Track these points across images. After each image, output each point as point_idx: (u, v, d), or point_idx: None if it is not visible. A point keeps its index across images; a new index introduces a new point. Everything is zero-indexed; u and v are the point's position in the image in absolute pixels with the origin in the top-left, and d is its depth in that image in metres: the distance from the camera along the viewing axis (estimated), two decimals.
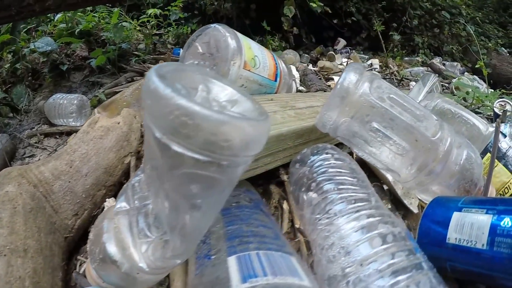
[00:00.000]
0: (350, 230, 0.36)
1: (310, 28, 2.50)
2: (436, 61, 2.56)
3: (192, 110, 0.26)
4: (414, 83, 1.70)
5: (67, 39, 1.61)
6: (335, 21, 2.44)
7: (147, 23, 2.26)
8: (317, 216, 0.41)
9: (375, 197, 0.42)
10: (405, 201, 0.60)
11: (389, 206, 0.60)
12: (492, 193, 0.56)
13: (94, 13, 2.00)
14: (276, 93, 0.76)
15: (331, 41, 2.66)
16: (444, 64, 2.55)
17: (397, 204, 0.62)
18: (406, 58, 2.63)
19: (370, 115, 0.50)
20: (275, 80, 0.74)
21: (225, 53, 0.58)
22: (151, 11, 1.90)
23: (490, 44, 3.09)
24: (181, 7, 2.39)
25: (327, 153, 0.48)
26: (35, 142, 1.23)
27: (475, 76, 2.62)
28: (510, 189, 0.61)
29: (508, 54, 3.35)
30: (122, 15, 2.23)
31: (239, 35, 0.62)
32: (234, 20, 2.17)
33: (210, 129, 0.26)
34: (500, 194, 0.62)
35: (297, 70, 1.27)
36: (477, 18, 3.17)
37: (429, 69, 2.46)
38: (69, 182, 0.64)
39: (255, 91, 0.69)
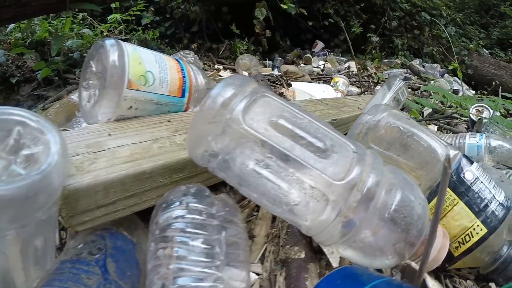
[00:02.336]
0: None
1: (286, 30, 2.31)
2: (416, 63, 2.37)
3: None
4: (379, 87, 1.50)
5: (19, 50, 1.43)
6: (311, 24, 2.24)
7: (114, 29, 2.07)
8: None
9: (223, 273, 0.28)
10: (325, 249, 0.42)
11: (302, 256, 0.41)
12: (443, 247, 0.37)
13: (53, 20, 1.81)
14: (186, 110, 0.59)
15: (309, 43, 2.47)
16: (423, 66, 2.36)
17: (320, 249, 0.43)
18: (386, 60, 2.43)
19: (243, 150, 0.32)
20: (182, 96, 0.58)
21: (104, 71, 0.47)
22: (111, 16, 1.71)
23: (471, 45, 2.90)
24: (153, 10, 2.19)
25: (181, 203, 0.32)
26: None
27: (455, 78, 2.43)
28: (472, 237, 0.42)
29: (489, 55, 3.16)
30: (88, 19, 2.04)
31: (130, 49, 0.50)
32: (203, 23, 1.97)
33: None
34: (459, 242, 0.42)
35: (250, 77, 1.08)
36: (457, 19, 2.97)
37: (409, 71, 2.27)
38: None
39: (153, 111, 0.55)
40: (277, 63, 2.00)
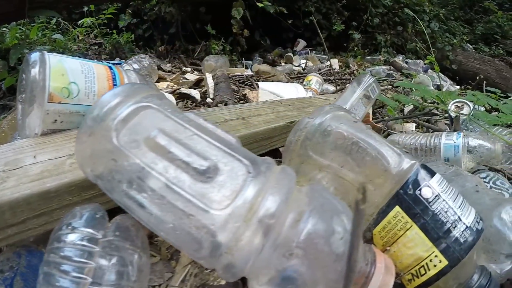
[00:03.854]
0: None
1: (267, 30, 2.20)
2: (399, 59, 2.27)
3: None
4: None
5: None
6: (290, 22, 2.13)
7: (90, 33, 1.96)
8: None
9: None
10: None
11: (222, 282, 0.37)
12: (384, 286, 0.27)
13: (22, 26, 1.70)
14: None
15: (291, 42, 2.37)
16: (407, 62, 2.26)
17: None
18: (368, 57, 2.33)
19: (118, 172, 0.28)
20: None
21: (26, 85, 0.47)
22: (82, 20, 1.60)
23: (455, 41, 2.80)
24: (130, 12, 2.08)
25: (67, 226, 0.29)
26: None
27: (439, 73, 2.33)
28: (428, 269, 0.31)
29: (473, 50, 3.06)
30: (63, 24, 1.93)
31: (54, 60, 0.49)
32: (179, 24, 1.86)
33: None
34: (413, 275, 0.32)
35: (213, 78, 0.97)
36: (440, 15, 2.87)
37: (391, 67, 2.17)
38: None
39: (80, 124, 0.50)
40: (256, 62, 1.90)
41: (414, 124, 1.09)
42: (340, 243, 0.23)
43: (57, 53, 1.53)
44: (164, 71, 1.26)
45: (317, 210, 0.24)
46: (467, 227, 0.32)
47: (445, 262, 0.31)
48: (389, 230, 0.33)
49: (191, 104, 0.89)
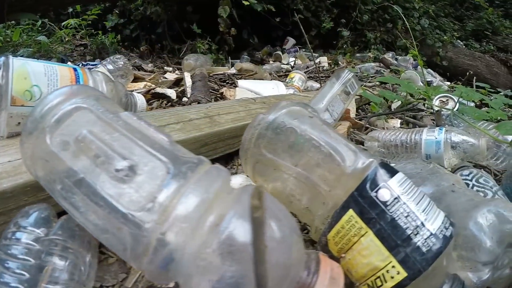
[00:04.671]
0: None
1: (255, 28, 2.16)
2: (389, 56, 2.23)
3: None
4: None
5: None
6: (278, 20, 2.09)
7: (76, 34, 1.91)
8: None
9: None
10: None
11: (171, 285, 0.36)
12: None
13: (7, 29, 1.65)
14: None
15: (280, 40, 2.32)
16: (396, 59, 2.22)
17: None
18: (358, 55, 2.29)
19: (51, 172, 0.28)
20: None
21: None
22: (66, 22, 1.55)
23: (445, 37, 2.76)
24: (117, 13, 2.04)
25: (15, 224, 0.30)
26: None
27: (429, 70, 2.30)
28: (385, 281, 0.27)
29: (464, 47, 3.03)
30: (49, 26, 1.88)
31: (17, 64, 0.50)
32: (165, 24, 1.81)
33: None
34: (369, 286, 0.28)
35: (191, 77, 0.93)
36: (430, 11, 2.83)
37: (381, 64, 2.13)
38: None
39: None
40: (244, 61, 1.85)
41: (399, 121, 1.05)
42: (264, 251, 0.19)
43: (41, 55, 1.47)
44: (145, 71, 1.22)
45: (240, 214, 0.20)
46: (431, 234, 0.28)
47: (403, 274, 0.27)
48: (343, 236, 0.29)
49: (166, 104, 0.84)
